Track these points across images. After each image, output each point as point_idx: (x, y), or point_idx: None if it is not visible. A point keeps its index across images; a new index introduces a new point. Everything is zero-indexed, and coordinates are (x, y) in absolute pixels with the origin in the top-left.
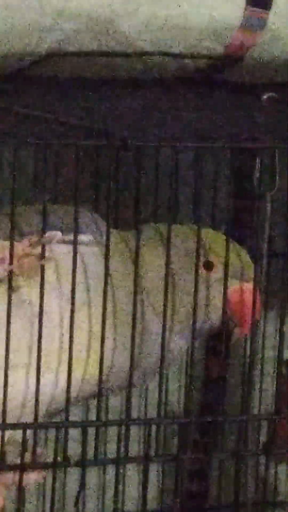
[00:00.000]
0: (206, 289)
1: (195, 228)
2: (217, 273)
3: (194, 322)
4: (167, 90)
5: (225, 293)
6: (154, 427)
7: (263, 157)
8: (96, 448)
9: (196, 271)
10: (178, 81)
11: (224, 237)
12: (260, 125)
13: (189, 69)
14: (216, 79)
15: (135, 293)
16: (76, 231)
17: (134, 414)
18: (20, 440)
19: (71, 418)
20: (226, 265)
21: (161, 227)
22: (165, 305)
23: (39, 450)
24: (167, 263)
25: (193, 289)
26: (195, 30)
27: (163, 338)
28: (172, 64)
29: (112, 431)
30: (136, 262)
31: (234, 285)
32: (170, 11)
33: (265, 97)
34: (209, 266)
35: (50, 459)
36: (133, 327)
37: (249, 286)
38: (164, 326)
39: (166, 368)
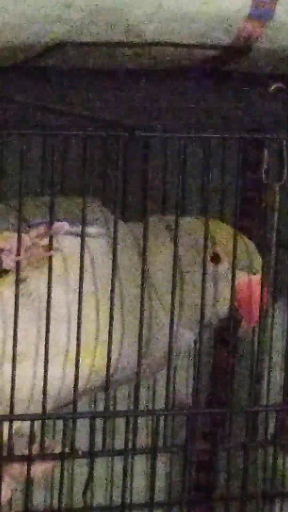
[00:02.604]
0: (214, 282)
1: (202, 220)
2: (224, 265)
3: (202, 315)
4: (175, 80)
5: (233, 285)
6: (162, 418)
7: (271, 147)
8: (104, 439)
9: (204, 263)
10: (185, 72)
11: (231, 229)
12: (268, 115)
13: (197, 59)
14: (223, 69)
15: (143, 285)
16: (84, 223)
17: (142, 405)
18: (28, 432)
19: (79, 409)
20: (234, 257)
21: (168, 219)
22: (172, 297)
23: (47, 441)
24: (175, 256)
25: (200, 282)
26: (203, 20)
27: (170, 330)
28: (180, 55)
29: (120, 422)
30: (143, 254)
31: (241, 277)
32: (177, 1)
33: (272, 87)
34: (216, 259)
35: (58, 451)
36: (141, 319)
37: (256, 278)
38: (171, 318)
39: (174, 359)
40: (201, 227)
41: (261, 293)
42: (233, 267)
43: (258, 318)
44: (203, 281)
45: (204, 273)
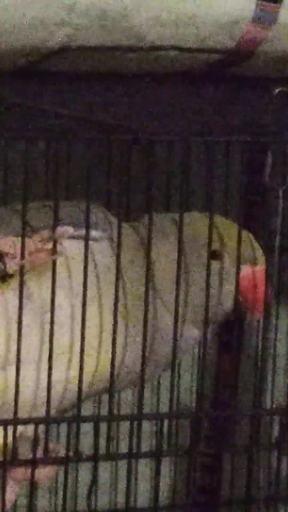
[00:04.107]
0: (215, 278)
1: (203, 216)
2: (225, 261)
3: (206, 314)
4: (178, 84)
5: (237, 279)
6: (166, 422)
7: (275, 151)
8: (108, 443)
9: (209, 260)
10: (189, 76)
11: (231, 223)
12: (271, 119)
13: (200, 63)
14: (227, 73)
15: (147, 286)
16: (88, 227)
17: (146, 409)
18: (32, 436)
19: (83, 413)
20: (238, 250)
21: (172, 215)
22: (177, 296)
23: (51, 445)
24: (179, 253)
25: (202, 279)
26: (206, 24)
27: (175, 331)
28: (183, 59)
29: (124, 426)
30: (147, 256)
31: (244, 270)
32: (181, 5)
33: (276, 91)
34: (214, 255)
35: (62, 454)
36: (145, 322)
37: (259, 269)
38: (175, 318)
39: (179, 358)
40: (201, 224)
41: (265, 283)
42: (238, 260)
43: (264, 309)
44: (207, 277)
45: (208, 270)
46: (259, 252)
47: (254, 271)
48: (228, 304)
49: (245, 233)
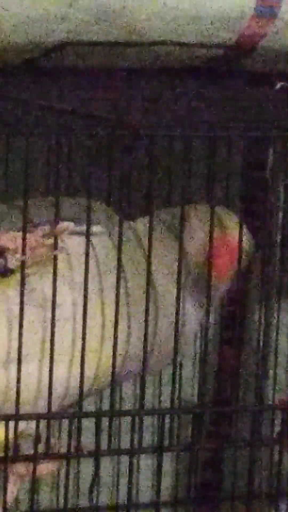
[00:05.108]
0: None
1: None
2: (193, 222)
3: (208, 307)
4: (180, 79)
5: (211, 242)
6: (167, 417)
7: (276, 146)
8: (109, 438)
9: (211, 247)
10: (190, 71)
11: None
12: (272, 114)
13: (201, 58)
14: (228, 68)
15: (148, 282)
16: (89, 222)
17: (148, 404)
18: (34, 431)
19: (85, 408)
20: (211, 222)
21: (171, 210)
22: (178, 292)
23: (52, 441)
24: (180, 251)
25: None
26: (207, 19)
27: (176, 326)
28: (184, 54)
29: (126, 421)
30: (148, 253)
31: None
32: (181, 1)
33: (277, 86)
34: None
35: (63, 450)
36: (146, 319)
37: (229, 235)
38: (177, 312)
39: (183, 349)
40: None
41: (235, 251)
42: (212, 228)
43: (232, 278)
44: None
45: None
46: (234, 220)
47: (225, 237)
48: (197, 262)
49: (224, 210)
